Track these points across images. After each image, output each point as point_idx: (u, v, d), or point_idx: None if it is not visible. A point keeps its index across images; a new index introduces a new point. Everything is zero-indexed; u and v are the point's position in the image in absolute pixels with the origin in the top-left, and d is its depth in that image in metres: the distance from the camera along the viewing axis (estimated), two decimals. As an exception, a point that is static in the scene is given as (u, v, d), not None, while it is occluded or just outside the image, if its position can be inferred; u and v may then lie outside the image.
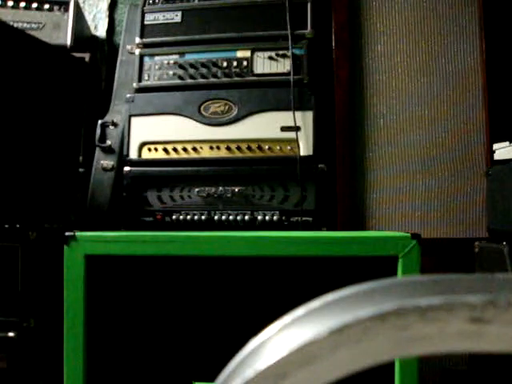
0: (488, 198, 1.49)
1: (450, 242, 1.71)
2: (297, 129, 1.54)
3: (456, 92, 1.76)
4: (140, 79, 1.67)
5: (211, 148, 1.59)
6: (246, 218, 1.54)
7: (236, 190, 1.57)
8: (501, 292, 0.22)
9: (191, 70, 1.64)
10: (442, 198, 1.74)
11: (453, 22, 1.78)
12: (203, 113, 1.60)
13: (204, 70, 1.64)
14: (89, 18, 2.09)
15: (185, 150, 1.60)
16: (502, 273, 0.25)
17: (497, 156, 1.43)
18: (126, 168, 1.62)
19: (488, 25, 1.74)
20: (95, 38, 2.09)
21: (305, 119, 1.56)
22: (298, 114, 1.55)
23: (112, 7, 2.13)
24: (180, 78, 1.65)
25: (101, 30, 2.11)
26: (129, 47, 1.80)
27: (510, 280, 0.24)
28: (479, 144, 1.73)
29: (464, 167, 1.74)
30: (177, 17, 1.69)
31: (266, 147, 1.57)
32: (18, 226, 1.43)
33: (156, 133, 1.63)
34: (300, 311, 0.26)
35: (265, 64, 1.61)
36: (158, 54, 1.68)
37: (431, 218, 1.74)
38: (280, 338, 0.26)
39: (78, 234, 1.03)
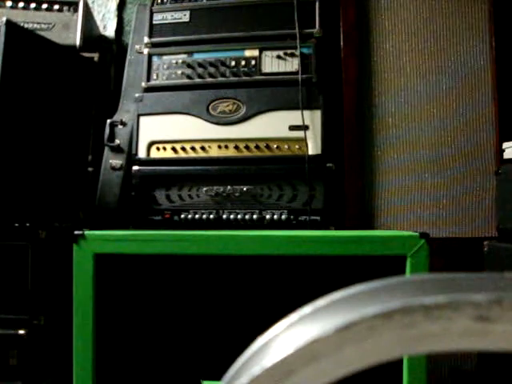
0: (497, 197, 1.48)
1: (459, 242, 1.70)
2: (305, 128, 1.54)
3: (465, 90, 1.75)
4: (148, 78, 1.68)
5: (219, 147, 1.60)
6: (255, 217, 1.55)
7: (244, 189, 1.57)
8: (507, 291, 0.22)
9: (199, 70, 1.65)
10: (451, 196, 1.73)
11: (462, 20, 1.77)
12: (211, 112, 1.61)
13: (212, 70, 1.64)
14: (98, 18, 2.10)
15: (193, 149, 1.61)
16: (510, 272, 0.25)
17: (506, 155, 1.42)
18: (135, 167, 1.63)
19: (498, 22, 1.72)
20: (104, 37, 2.10)
21: (313, 118, 1.56)
22: (307, 112, 1.55)
23: (121, 7, 2.14)
24: (188, 77, 1.65)
25: (110, 30, 2.12)
26: (137, 47, 1.80)
27: (517, 279, 0.24)
28: (489, 143, 1.72)
29: (473, 166, 1.73)
30: (185, 16, 1.70)
31: (275, 146, 1.57)
32: (27, 224, 1.44)
33: (164, 132, 1.63)
34: (307, 309, 0.27)
35: (273, 63, 1.61)
36: (166, 54, 1.68)
37: (440, 216, 1.73)
38: (287, 336, 0.26)
39: (87, 232, 1.04)
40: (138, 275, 1.06)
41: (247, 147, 1.58)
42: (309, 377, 0.23)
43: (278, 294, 1.03)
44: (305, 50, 1.60)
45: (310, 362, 0.23)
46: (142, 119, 1.65)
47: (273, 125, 1.57)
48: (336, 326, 0.22)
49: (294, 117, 1.55)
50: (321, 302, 0.26)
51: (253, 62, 1.62)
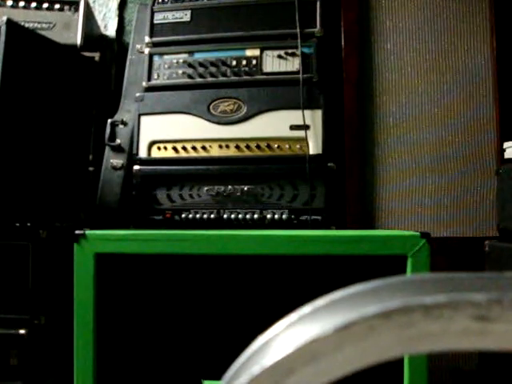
0: (498, 197, 1.48)
1: (460, 241, 1.70)
2: (306, 127, 1.54)
3: (466, 90, 1.75)
4: (149, 78, 1.68)
5: (220, 147, 1.60)
6: (255, 216, 1.55)
7: (245, 188, 1.57)
8: (507, 290, 0.22)
9: (200, 69, 1.65)
10: (451, 196, 1.73)
11: (463, 20, 1.77)
12: (212, 111, 1.61)
13: (213, 69, 1.64)
14: (99, 17, 2.10)
15: (194, 148, 1.61)
16: (510, 272, 0.25)
17: (507, 154, 1.42)
18: (136, 167, 1.63)
19: (499, 22, 1.72)
20: (105, 37, 2.10)
21: (314, 118, 1.56)
22: (307, 112, 1.55)
23: (122, 6, 2.14)
24: (189, 76, 1.65)
25: (110, 30, 2.12)
26: (138, 46, 1.80)
27: (517, 278, 0.24)
28: (489, 142, 1.72)
29: (474, 166, 1.73)
30: (186, 16, 1.70)
31: (275, 146, 1.57)
32: (28, 224, 1.44)
33: (165, 131, 1.63)
34: (306, 309, 0.27)
35: (274, 63, 1.61)
36: (167, 53, 1.68)
37: (441, 216, 1.73)
38: (286, 336, 0.26)
39: (87, 232, 1.04)
40: (138, 275, 1.06)
41: (248, 147, 1.58)
42: (308, 376, 0.23)
43: (279, 294, 1.02)
44: (306, 50, 1.59)
45: (310, 361, 0.23)
46: (143, 119, 1.65)
47: (274, 124, 1.57)
48: (335, 326, 0.22)
49: (295, 116, 1.55)
50: (320, 302, 0.26)
51: (254, 62, 1.62)
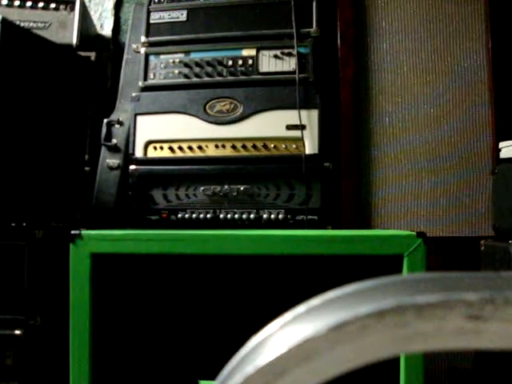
0: (494, 197, 1.48)
1: (456, 241, 1.70)
2: (302, 127, 1.54)
3: (462, 90, 1.75)
4: (145, 78, 1.67)
5: (217, 146, 1.60)
6: (252, 216, 1.55)
7: (241, 188, 1.57)
8: (500, 290, 0.22)
9: (196, 69, 1.65)
10: (447, 196, 1.73)
11: (459, 20, 1.77)
12: (208, 111, 1.61)
13: (209, 69, 1.64)
14: (94, 16, 2.09)
15: (190, 148, 1.61)
16: (506, 271, 0.25)
17: (503, 154, 1.42)
18: (132, 166, 1.63)
19: (494, 23, 1.73)
20: (101, 36, 2.09)
21: (310, 117, 1.56)
22: (304, 112, 1.55)
23: (118, 6, 2.14)
24: (185, 76, 1.65)
25: (106, 29, 2.11)
26: (134, 46, 1.80)
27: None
28: (485, 142, 1.73)
29: (470, 165, 1.73)
30: (182, 15, 1.69)
31: (272, 146, 1.57)
32: (24, 224, 1.44)
33: (162, 131, 1.63)
34: (301, 308, 0.27)
35: (270, 62, 1.61)
36: (163, 53, 1.68)
37: (437, 216, 1.73)
38: (280, 335, 0.26)
39: (83, 232, 1.03)
40: (135, 275, 1.06)
41: (244, 147, 1.58)
42: (302, 376, 0.23)
43: (275, 294, 1.02)
44: (302, 50, 1.60)
45: (304, 361, 0.23)
46: (139, 118, 1.64)
47: (270, 124, 1.57)
48: (329, 325, 0.22)
49: (291, 116, 1.55)
50: (315, 302, 0.26)
51: (250, 62, 1.62)
